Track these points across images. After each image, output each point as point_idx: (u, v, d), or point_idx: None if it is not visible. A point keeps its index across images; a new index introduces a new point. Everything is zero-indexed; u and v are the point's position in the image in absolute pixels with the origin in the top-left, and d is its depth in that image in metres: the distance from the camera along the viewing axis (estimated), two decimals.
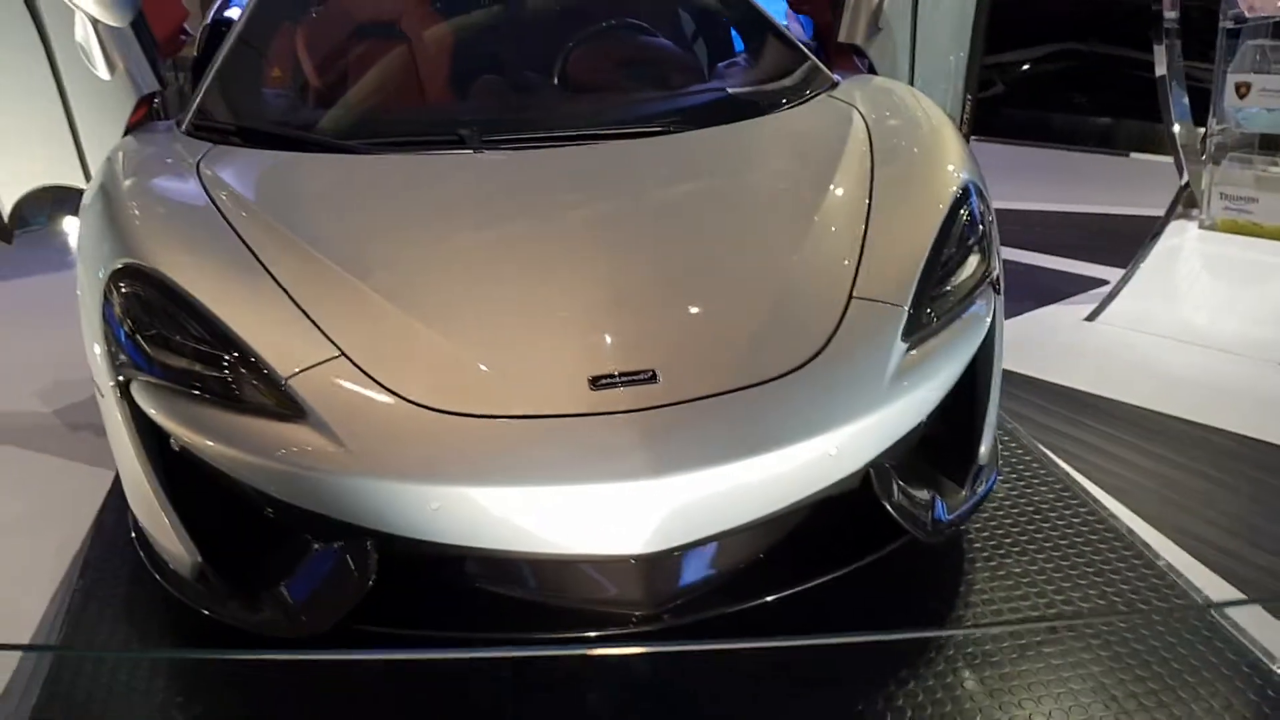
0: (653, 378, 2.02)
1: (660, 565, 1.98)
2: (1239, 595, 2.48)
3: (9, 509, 3.08)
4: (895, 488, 2.16)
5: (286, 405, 2.01)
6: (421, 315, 2.14)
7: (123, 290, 2.22)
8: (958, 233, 2.42)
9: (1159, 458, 3.18)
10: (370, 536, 1.96)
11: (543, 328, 2.13)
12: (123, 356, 2.18)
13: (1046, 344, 4.13)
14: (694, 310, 2.20)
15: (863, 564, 2.16)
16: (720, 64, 3.38)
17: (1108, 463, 3.14)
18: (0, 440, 3.53)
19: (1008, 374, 3.70)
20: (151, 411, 2.13)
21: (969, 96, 3.59)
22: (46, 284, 5.42)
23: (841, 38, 3.27)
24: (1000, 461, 2.93)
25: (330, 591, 2.01)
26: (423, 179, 2.64)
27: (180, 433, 2.09)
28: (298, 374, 2.03)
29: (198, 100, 2.94)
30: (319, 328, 2.11)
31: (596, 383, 2.00)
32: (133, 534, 2.38)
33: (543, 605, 2.05)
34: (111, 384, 2.19)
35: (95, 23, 2.83)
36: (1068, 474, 2.96)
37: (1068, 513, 2.74)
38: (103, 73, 2.88)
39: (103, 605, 2.49)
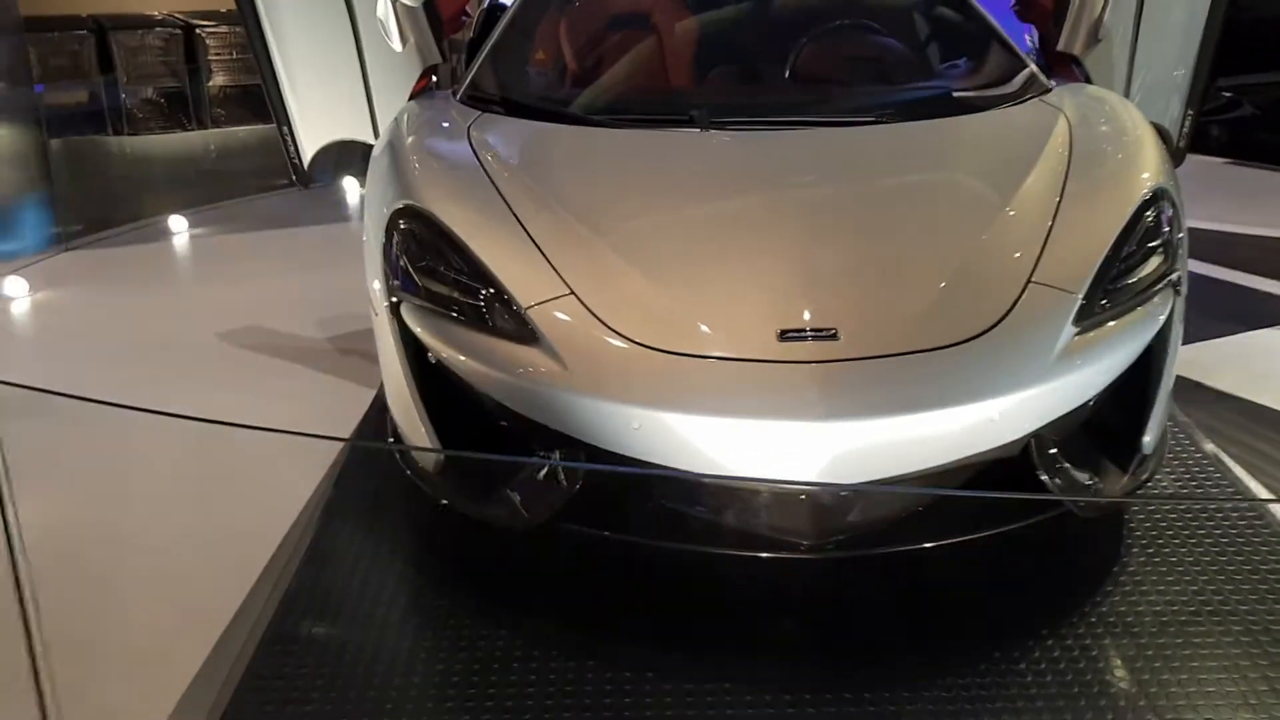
0: (834, 335, 2.30)
1: (827, 501, 2.26)
2: None
3: (288, 410, 3.66)
4: (1054, 461, 2.35)
5: (524, 331, 2.40)
6: (641, 265, 2.49)
7: (401, 226, 2.67)
8: (1141, 234, 2.58)
9: None
10: (582, 447, 2.33)
11: (742, 284, 2.44)
12: (396, 281, 2.63)
13: (1252, 364, 4.11)
14: (879, 280, 2.46)
15: (1014, 528, 2.36)
16: (944, 65, 3.59)
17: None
18: (287, 358, 4.15)
19: (1204, 388, 3.80)
20: (416, 329, 2.56)
21: (1190, 111, 3.66)
22: (332, 231, 6.17)
23: (1061, 47, 3.42)
24: (1172, 458, 3.04)
25: (546, 492, 2.37)
26: (654, 151, 3.01)
27: (438, 347, 2.51)
28: (535, 306, 2.41)
29: (471, 74, 3.41)
30: (555, 270, 2.49)
31: (784, 335, 2.29)
32: (389, 436, 2.83)
33: (721, 526, 2.36)
34: (386, 304, 2.64)
35: (394, 1, 3.33)
36: (1241, 479, 3.03)
37: (1234, 514, 2.83)
38: (396, 45, 3.38)
39: (358, 496, 3.01)
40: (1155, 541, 2.73)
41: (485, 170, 2.82)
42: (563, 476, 2.35)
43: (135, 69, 9.54)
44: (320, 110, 3.60)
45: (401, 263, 2.65)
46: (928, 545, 2.34)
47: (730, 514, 2.34)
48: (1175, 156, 3.74)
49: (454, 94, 3.40)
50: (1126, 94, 3.54)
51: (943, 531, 2.35)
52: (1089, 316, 2.41)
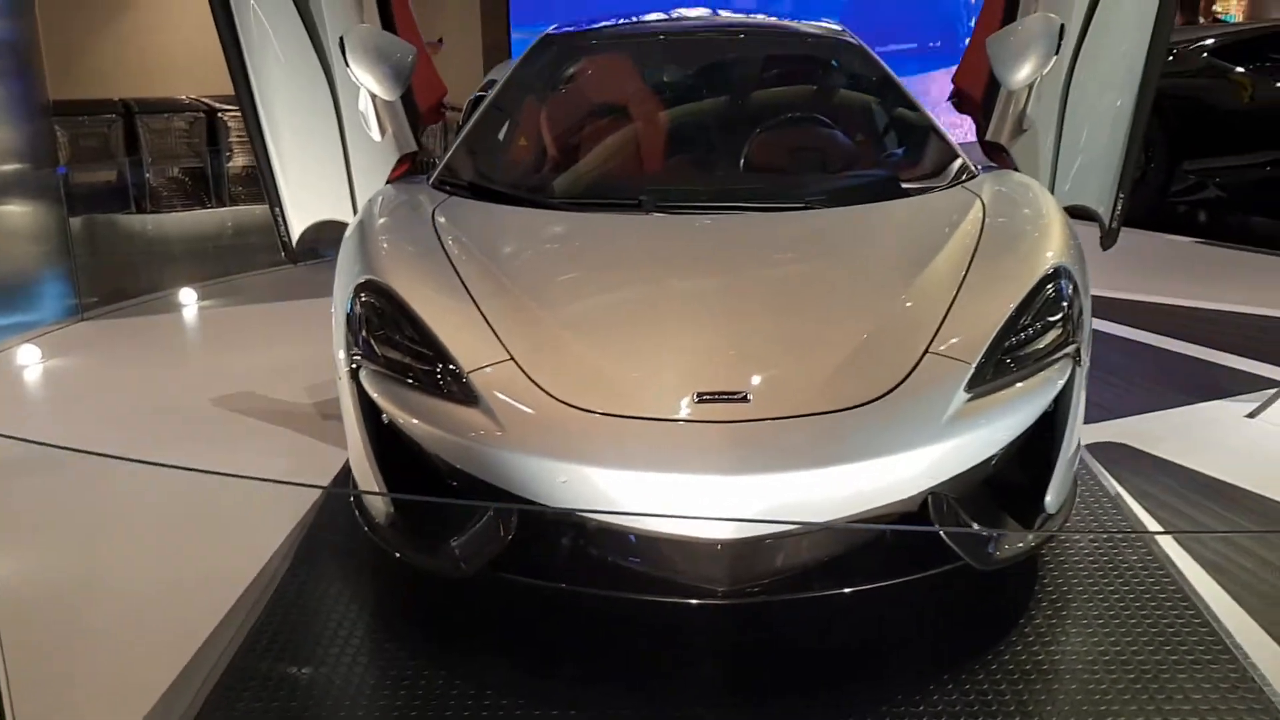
0: (745, 398, 2.54)
1: (740, 550, 2.47)
2: None
3: (273, 465, 3.92)
4: (953, 516, 2.57)
5: (467, 394, 2.64)
6: (576, 334, 2.75)
7: (363, 299, 2.94)
8: (1039, 308, 2.81)
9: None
10: (517, 502, 2.55)
11: (666, 351, 2.69)
12: (357, 350, 2.89)
13: (1196, 433, 4.29)
14: (788, 349, 2.71)
15: (911, 579, 2.55)
16: (883, 155, 3.87)
17: (1213, 542, 3.34)
18: (274, 421, 4.41)
19: (1142, 454, 3.99)
20: (373, 393, 2.81)
21: (1120, 195, 3.90)
22: (322, 304, 6.44)
23: (989, 136, 3.69)
24: (1087, 517, 3.24)
25: (481, 544, 2.56)
26: (600, 232, 3.28)
27: (391, 410, 2.76)
28: (476, 371, 2.66)
29: (444, 161, 3.71)
30: (499, 338, 2.74)
31: (700, 398, 2.54)
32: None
33: (642, 573, 2.56)
34: (347, 370, 2.90)
35: (374, 96, 3.64)
36: (1157, 543, 3.22)
37: (1145, 575, 3.00)
38: (375, 135, 3.68)
39: (326, 545, 3.25)
40: (1061, 591, 2.92)
41: (444, 249, 3.09)
42: (498, 529, 2.57)
43: (160, 149, 10.00)
44: (307, 192, 3.89)
45: (363, 333, 2.90)
46: (834, 591, 2.55)
47: (650, 562, 2.55)
48: (1108, 237, 3.99)
49: (429, 179, 3.70)
50: (1053, 179, 3.78)
51: (848, 579, 2.55)
52: (982, 383, 2.63)
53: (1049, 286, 2.86)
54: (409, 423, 2.71)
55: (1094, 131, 3.79)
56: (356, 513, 2.93)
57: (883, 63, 4.06)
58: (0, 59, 6.24)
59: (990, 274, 2.91)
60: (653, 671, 2.65)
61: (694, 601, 2.48)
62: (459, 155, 3.73)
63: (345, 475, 3.59)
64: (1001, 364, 2.71)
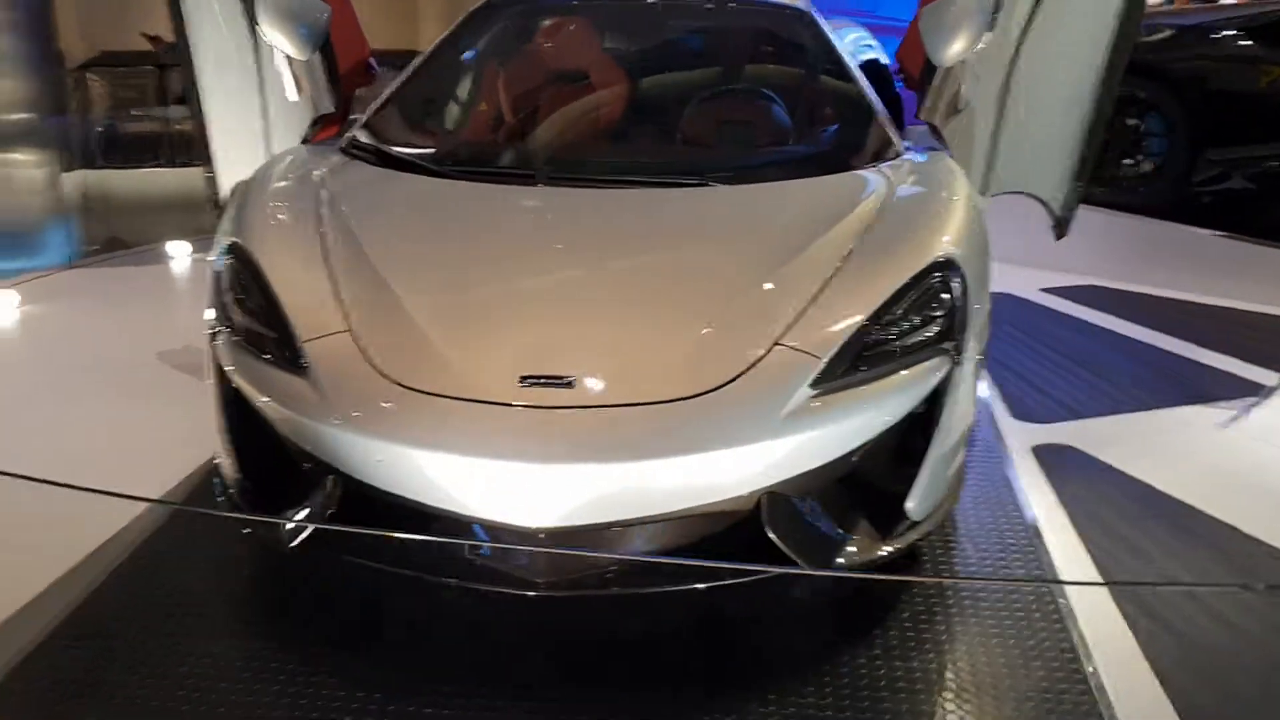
0: (570, 383, 2.42)
1: (558, 541, 2.36)
2: None
3: (175, 421, 3.80)
4: (792, 519, 2.43)
5: (297, 364, 2.57)
6: (415, 307, 2.64)
7: (227, 262, 2.88)
8: (917, 301, 2.64)
9: (1195, 565, 3.14)
10: (342, 477, 2.48)
11: (498, 331, 2.58)
12: (213, 313, 2.83)
13: (1156, 440, 4.06)
14: (626, 335, 2.57)
15: (744, 581, 2.42)
16: (805, 132, 3.70)
17: (1116, 548, 3.15)
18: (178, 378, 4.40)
19: (1089, 459, 3.78)
20: (223, 359, 2.75)
21: (1078, 184, 3.67)
22: None
23: (921, 116, 3.48)
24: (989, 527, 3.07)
25: (309, 514, 2.50)
26: (477, 204, 3.16)
27: (234, 375, 2.70)
28: (310, 341, 2.59)
29: (357, 125, 3.62)
30: (343, 308, 2.66)
31: (524, 380, 2.43)
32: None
33: (468, 561, 2.46)
34: (208, 334, 2.85)
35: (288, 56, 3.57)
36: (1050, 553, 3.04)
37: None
38: (291, 95, 3.61)
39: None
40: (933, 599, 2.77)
41: (319, 214, 3.00)
42: (321, 499, 2.49)
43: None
44: (235, 151, 3.85)
45: (224, 296, 2.85)
46: (659, 589, 2.44)
47: (472, 550, 2.45)
48: (1059, 226, 3.77)
49: (341, 143, 3.62)
50: (989, 164, 3.57)
51: (676, 577, 2.43)
52: (832, 379, 2.48)
53: (933, 278, 2.68)
54: (250, 391, 2.65)
55: (1042, 116, 3.56)
56: (215, 479, 2.89)
57: (834, 38, 3.85)
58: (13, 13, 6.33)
59: (869, 262, 2.73)
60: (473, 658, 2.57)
61: (509, 592, 2.39)
62: (372, 120, 3.63)
63: None
64: (862, 358, 2.55)
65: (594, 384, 2.43)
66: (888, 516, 2.59)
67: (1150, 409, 4.37)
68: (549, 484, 2.31)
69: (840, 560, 2.49)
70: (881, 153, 3.33)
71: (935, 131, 3.47)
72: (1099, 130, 3.60)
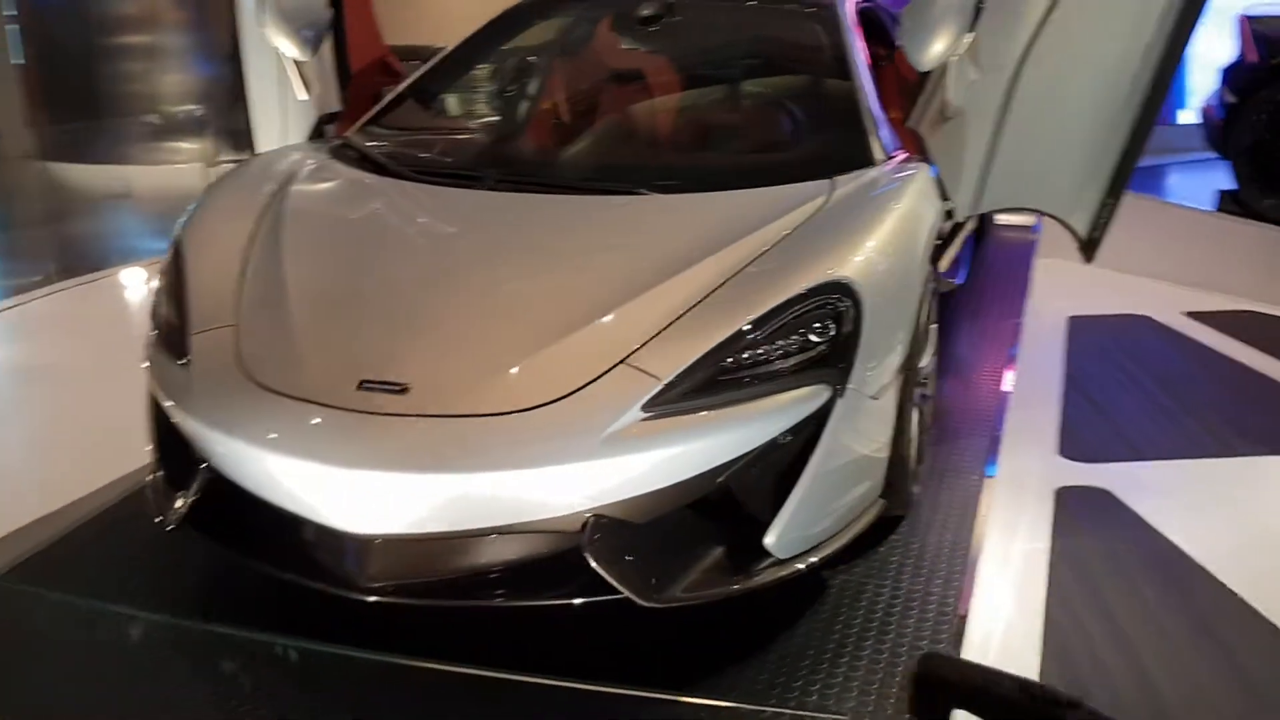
0: (404, 390, 2.40)
1: (383, 549, 2.35)
2: None
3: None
4: (620, 544, 2.32)
5: (183, 355, 2.68)
6: (297, 305, 2.68)
7: (171, 256, 3.02)
8: (787, 326, 2.46)
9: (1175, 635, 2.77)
10: (207, 464, 2.56)
11: (352, 333, 2.58)
12: (154, 305, 2.98)
13: (1213, 489, 3.56)
14: (471, 344, 2.51)
15: (570, 603, 2.34)
16: (781, 139, 3.51)
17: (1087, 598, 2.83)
18: None
19: (1120, 507, 3.39)
20: (149, 348, 2.88)
21: (1109, 200, 3.28)
22: None
23: (909, 124, 3.20)
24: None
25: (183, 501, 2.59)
26: (406, 205, 3.15)
27: (149, 365, 2.83)
28: (200, 332, 2.69)
29: (355, 126, 3.69)
30: (240, 303, 2.74)
31: (363, 385, 2.43)
32: None
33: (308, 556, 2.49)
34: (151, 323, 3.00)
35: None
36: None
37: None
38: (299, 94, 3.73)
39: None
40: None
41: (261, 212, 3.06)
42: (192, 483, 2.57)
43: None
44: (271, 147, 4.02)
45: (159, 292, 2.99)
46: (484, 604, 2.40)
47: (305, 549, 2.46)
48: (1087, 248, 3.39)
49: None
50: (982, 179, 3.23)
51: (509, 594, 2.38)
52: (669, 401, 2.34)
53: (811, 302, 2.48)
54: (152, 383, 2.78)
55: (1057, 126, 3.20)
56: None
57: (849, 37, 3.61)
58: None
59: (751, 283, 2.55)
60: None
61: (342, 592, 2.40)
62: (368, 124, 3.68)
63: None
64: (718, 383, 2.39)
65: (429, 393, 2.40)
66: (744, 551, 2.43)
67: (1228, 456, 3.86)
68: (365, 490, 2.31)
69: (678, 592, 2.35)
70: (851, 163, 3.08)
71: (920, 142, 3.18)
72: (1139, 143, 3.20)
